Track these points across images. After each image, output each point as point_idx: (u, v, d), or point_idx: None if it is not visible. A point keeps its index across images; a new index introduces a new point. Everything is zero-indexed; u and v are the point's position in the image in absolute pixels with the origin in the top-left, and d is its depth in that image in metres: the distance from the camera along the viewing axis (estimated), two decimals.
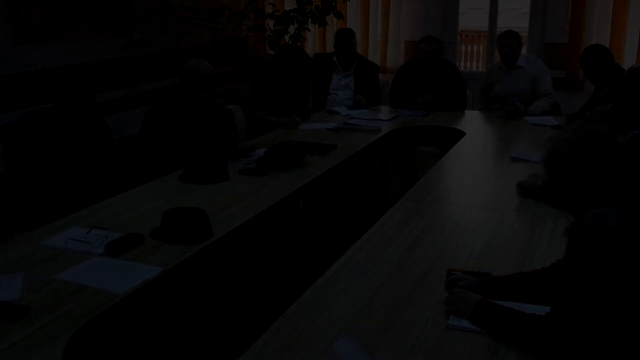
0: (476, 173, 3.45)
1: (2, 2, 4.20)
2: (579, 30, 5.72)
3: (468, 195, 3.03)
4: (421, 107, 4.89)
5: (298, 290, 1.97)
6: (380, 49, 6.54)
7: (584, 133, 1.65)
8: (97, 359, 1.84)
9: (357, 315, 1.81)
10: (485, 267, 2.06)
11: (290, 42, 5.87)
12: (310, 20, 5.92)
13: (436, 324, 1.74)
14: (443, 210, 2.75)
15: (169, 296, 2.16)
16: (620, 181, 1.58)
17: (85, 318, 1.80)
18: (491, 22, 6.26)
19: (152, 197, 2.90)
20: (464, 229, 2.50)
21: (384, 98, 5.38)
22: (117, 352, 1.94)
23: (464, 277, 1.90)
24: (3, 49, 4.22)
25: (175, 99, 3.62)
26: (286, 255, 3.02)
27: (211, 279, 2.42)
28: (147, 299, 2.01)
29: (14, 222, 3.05)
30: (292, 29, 5.96)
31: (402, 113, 4.83)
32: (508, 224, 2.53)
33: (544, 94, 4.74)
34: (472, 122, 4.65)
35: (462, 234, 2.44)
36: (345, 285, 2.02)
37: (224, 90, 5.48)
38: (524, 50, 5.12)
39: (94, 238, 2.33)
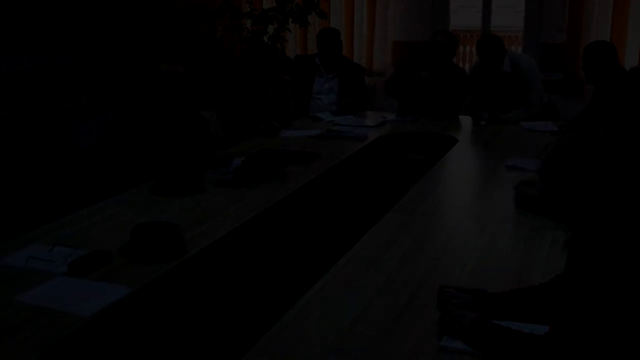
0: (469, 182, 3.47)
1: None
2: (577, 29, 5.78)
3: (461, 206, 3.04)
4: (410, 112, 4.92)
5: (280, 309, 1.97)
6: (366, 50, 6.57)
7: (582, 141, 1.67)
8: None
9: (344, 336, 1.81)
10: (479, 284, 2.07)
11: (269, 42, 5.88)
12: (290, 19, 5.94)
13: (428, 345, 1.75)
14: (434, 223, 2.77)
15: (139, 318, 2.15)
16: (621, 191, 1.60)
17: (48, 343, 1.79)
18: (484, 20, 6.31)
19: (120, 211, 2.89)
20: (457, 242, 2.52)
21: (372, 102, 5.40)
22: None
23: (457, 294, 1.91)
24: None
25: (146, 105, 3.61)
26: (266, 272, 3.01)
27: (185, 299, 2.41)
28: (115, 321, 2.00)
29: None
30: (271, 29, 5.97)
31: (390, 119, 4.85)
32: (504, 237, 2.55)
33: (526, 104, 4.73)
34: (465, 128, 4.68)
35: (455, 248, 2.45)
36: (331, 304, 2.02)
37: (198, 95, 5.47)
38: (519, 51, 5.16)
39: (56, 256, 2.31)
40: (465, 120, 4.83)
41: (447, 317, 1.80)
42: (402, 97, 5.04)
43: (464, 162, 3.87)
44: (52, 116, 3.25)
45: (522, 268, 2.23)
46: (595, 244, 1.48)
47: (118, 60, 5.42)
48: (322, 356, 1.71)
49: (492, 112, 4.65)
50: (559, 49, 5.91)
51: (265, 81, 4.56)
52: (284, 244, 3.17)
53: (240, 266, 2.79)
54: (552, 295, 1.79)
